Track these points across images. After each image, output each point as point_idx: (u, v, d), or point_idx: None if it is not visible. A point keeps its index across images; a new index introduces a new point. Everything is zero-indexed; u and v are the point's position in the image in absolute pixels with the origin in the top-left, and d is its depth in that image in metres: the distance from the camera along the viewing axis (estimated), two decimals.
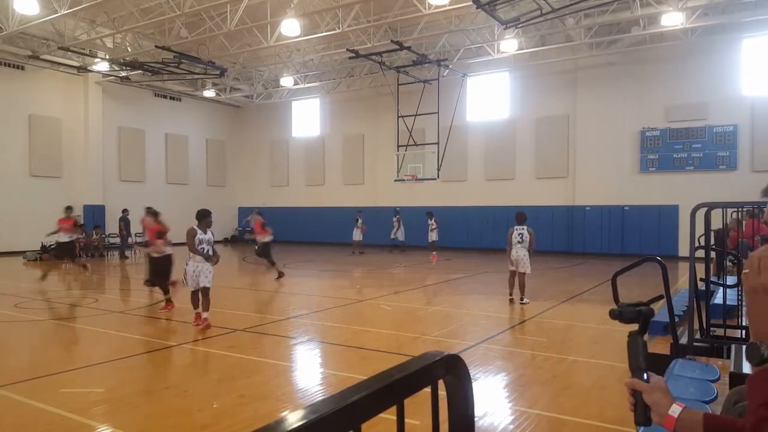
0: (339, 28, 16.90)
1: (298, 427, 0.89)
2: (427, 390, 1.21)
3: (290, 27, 16.46)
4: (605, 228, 20.40)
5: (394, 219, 23.00)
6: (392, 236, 22.99)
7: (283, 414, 0.99)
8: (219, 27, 17.26)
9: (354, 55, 19.62)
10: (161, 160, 26.49)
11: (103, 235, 22.03)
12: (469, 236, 22.88)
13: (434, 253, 19.27)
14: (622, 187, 20.12)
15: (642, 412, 1.27)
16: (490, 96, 23.15)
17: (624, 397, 1.33)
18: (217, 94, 26.86)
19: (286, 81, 24.42)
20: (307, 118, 28.32)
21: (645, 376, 1.29)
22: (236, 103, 29.22)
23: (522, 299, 9.98)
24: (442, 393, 1.25)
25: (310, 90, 26.10)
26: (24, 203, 20.76)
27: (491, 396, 5.20)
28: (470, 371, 1.31)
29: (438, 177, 21.32)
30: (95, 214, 22.66)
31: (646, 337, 1.40)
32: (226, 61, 21.51)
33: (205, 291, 8.02)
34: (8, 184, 20.54)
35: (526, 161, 22.16)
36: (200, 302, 8.09)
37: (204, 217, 8.17)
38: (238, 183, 30.12)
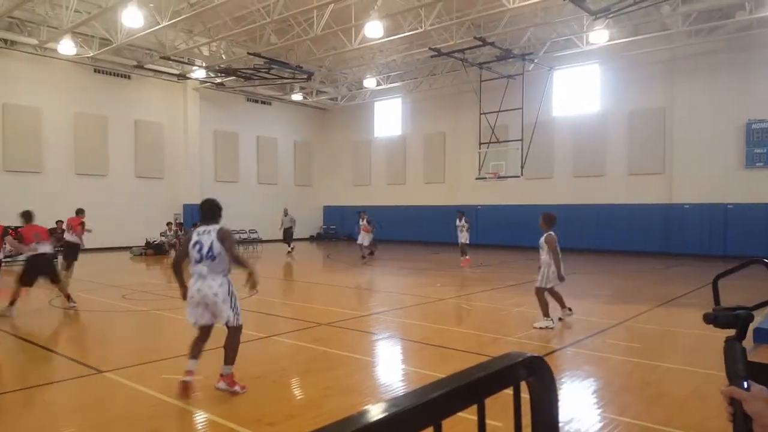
0: (421, 27, 16.92)
1: (380, 419, 0.92)
2: (510, 392, 1.21)
3: (374, 29, 16.71)
4: (706, 228, 18.93)
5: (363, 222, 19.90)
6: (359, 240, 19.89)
7: (366, 406, 1.02)
8: (306, 32, 17.86)
9: (436, 53, 19.57)
10: (253, 161, 27.84)
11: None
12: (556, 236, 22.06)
13: (467, 257, 16.88)
14: (724, 183, 18.57)
15: (741, 423, 1.18)
16: (578, 89, 22.22)
17: (724, 408, 1.25)
18: (304, 97, 27.79)
19: (369, 82, 24.80)
20: (388, 118, 28.63)
21: (744, 384, 1.20)
22: (322, 105, 30.08)
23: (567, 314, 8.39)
24: (525, 396, 1.24)
25: (392, 90, 26.34)
26: (131, 202, 22.60)
27: (578, 401, 5.01)
28: (556, 375, 1.28)
29: (522, 174, 20.79)
30: (194, 213, 24.21)
31: (749, 344, 1.30)
32: (312, 65, 22.20)
33: (234, 332, 5.11)
34: (117, 184, 22.45)
35: (618, 157, 21.03)
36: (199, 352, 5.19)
37: (201, 211, 5.30)
38: (323, 183, 31.01)
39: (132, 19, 15.84)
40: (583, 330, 8.05)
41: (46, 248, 9.23)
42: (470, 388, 1.10)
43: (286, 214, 22.32)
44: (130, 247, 21.10)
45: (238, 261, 5.12)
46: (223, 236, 5.05)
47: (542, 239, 8.09)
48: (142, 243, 21.23)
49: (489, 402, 1.14)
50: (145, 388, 5.28)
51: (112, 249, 21.44)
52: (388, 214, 27.42)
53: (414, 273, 16.01)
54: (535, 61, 20.80)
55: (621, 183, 20.92)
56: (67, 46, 18.46)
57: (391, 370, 6.28)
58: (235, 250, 5.11)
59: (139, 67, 22.13)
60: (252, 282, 5.00)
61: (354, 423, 0.91)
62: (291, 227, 22.24)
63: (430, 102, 26.28)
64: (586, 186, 21.61)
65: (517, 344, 7.06)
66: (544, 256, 8.04)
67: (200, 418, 4.60)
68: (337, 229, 30.16)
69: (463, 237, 17.02)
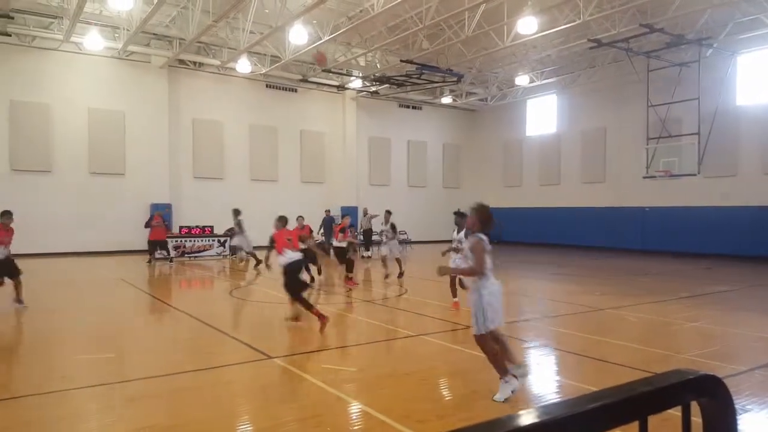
0: (579, 19, 16.00)
1: (529, 425, 0.88)
2: (679, 413, 1.08)
3: (527, 25, 16.19)
4: None
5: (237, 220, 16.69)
6: (233, 243, 17.59)
7: (517, 412, 0.99)
8: (457, 34, 17.92)
9: (596, 44, 18.36)
10: (404, 165, 28.67)
11: (356, 234, 24.72)
12: (739, 241, 19.35)
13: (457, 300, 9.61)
14: None
15: None
16: None
17: None
18: (453, 99, 27.90)
19: (522, 80, 24.08)
20: (542, 115, 27.51)
21: None
22: (471, 107, 29.92)
23: None
24: (697, 419, 1.10)
25: (546, 86, 25.27)
26: (297, 205, 24.56)
27: None
28: (739, 399, 1.12)
29: (699, 172, 18.61)
30: (350, 215, 25.63)
31: None
32: (462, 67, 22.20)
33: None
34: (285, 188, 24.62)
35: None
36: None
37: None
38: (471, 184, 30.77)
39: (298, 36, 17.26)
40: None
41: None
42: (630, 404, 1.01)
43: (365, 213, 21.25)
44: None
45: None
46: None
47: (468, 243, 5.09)
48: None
49: (654, 422, 1.04)
50: (307, 375, 5.70)
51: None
52: (541, 216, 26.35)
53: (569, 279, 15.15)
54: (714, 45, 18.46)
55: None
56: (243, 65, 20.71)
57: (544, 380, 6.01)
58: None
59: (304, 80, 24.03)
60: None
61: (501, 426, 0.89)
62: (371, 228, 20.73)
63: (589, 96, 24.70)
64: None
65: (692, 362, 6.32)
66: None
67: (355, 408, 4.83)
68: None
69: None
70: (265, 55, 21.42)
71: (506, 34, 17.96)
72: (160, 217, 18.02)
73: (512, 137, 28.93)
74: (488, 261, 4.87)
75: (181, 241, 19.31)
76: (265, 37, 18.23)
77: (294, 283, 7.90)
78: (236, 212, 16.72)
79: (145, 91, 21.28)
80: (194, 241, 19.64)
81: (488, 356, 4.95)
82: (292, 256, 7.97)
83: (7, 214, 9.42)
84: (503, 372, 4.90)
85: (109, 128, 20.81)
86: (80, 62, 20.09)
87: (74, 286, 13.07)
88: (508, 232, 27.76)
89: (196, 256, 19.44)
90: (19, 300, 9.54)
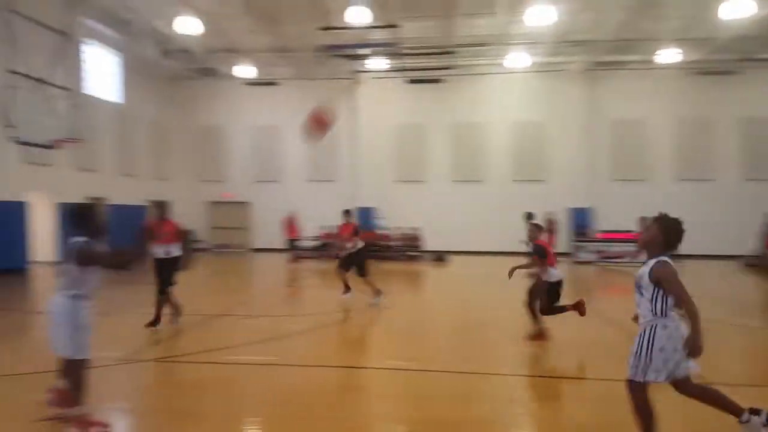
0: None
1: None
2: None
3: None
4: None
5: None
6: None
7: None
8: None
9: None
10: None
11: None
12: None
13: None
14: None
15: None
16: None
17: None
18: None
19: None
20: None
21: None
22: None
23: None
24: None
25: None
26: (738, 209, 20.68)
27: None
28: None
29: None
30: None
31: None
32: None
33: None
34: (720, 187, 21.27)
35: None
36: None
37: None
38: None
39: (738, 10, 14.42)
40: None
41: None
42: None
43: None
44: (744, 257, 18.55)
45: None
46: None
47: (647, 269, 3.52)
48: (748, 252, 18.46)
49: None
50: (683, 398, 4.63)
51: (720, 257, 19.62)
52: None
53: None
54: None
55: None
56: (670, 55, 18.90)
57: None
58: None
59: (746, 59, 20.14)
60: None
61: None
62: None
63: None
64: None
65: None
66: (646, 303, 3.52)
67: None
68: None
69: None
70: (694, 39, 18.76)
71: None
72: (552, 222, 18.23)
73: None
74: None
75: (601, 245, 19.08)
76: (695, 21, 16.00)
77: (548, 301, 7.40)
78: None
79: (562, 98, 22.17)
80: (614, 245, 18.88)
81: (636, 412, 3.53)
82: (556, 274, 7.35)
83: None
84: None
85: (531, 138, 22.60)
86: (504, 80, 22.27)
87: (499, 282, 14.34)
88: None
89: (616, 262, 18.58)
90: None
